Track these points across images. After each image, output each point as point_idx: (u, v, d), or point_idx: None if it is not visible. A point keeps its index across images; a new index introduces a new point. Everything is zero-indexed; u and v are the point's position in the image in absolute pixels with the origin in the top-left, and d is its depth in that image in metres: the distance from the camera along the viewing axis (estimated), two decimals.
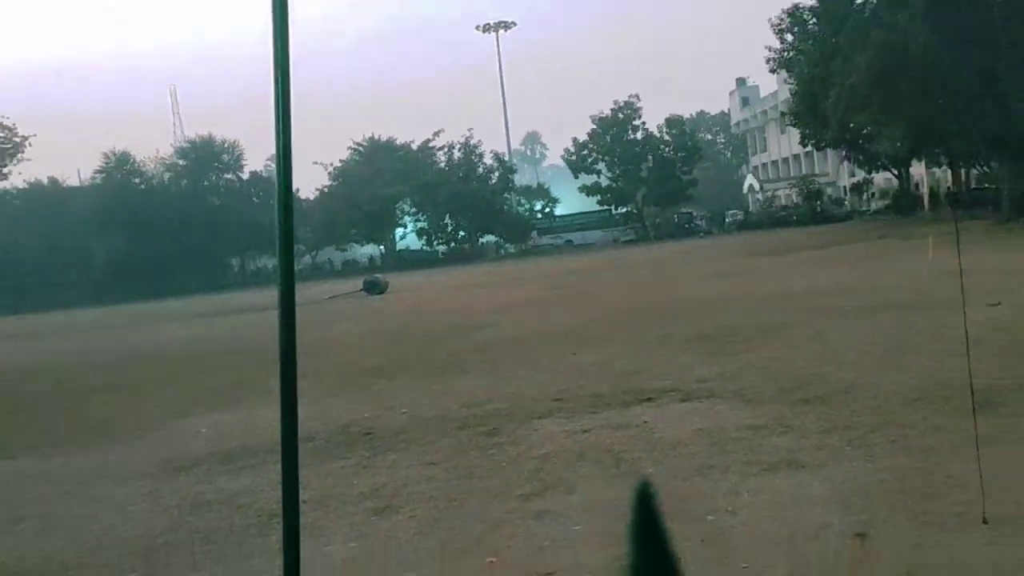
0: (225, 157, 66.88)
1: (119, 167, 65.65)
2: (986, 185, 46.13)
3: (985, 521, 4.86)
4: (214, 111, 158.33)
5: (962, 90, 34.81)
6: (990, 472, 5.38)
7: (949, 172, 50.24)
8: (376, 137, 70.33)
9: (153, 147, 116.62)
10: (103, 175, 65.78)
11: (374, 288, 36.08)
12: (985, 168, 45.65)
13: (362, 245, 71.89)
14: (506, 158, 76.05)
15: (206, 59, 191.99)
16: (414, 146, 70.44)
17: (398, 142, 70.42)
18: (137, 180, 66.23)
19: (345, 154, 70.78)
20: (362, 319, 23.98)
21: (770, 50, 45.67)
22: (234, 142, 67.32)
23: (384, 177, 66.14)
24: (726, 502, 5.75)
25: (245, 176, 67.82)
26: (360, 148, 70.29)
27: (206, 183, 66.23)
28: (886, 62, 33.61)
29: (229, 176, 67.45)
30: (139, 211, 60.04)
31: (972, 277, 15.65)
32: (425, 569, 5.17)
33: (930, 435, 6.80)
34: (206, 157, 66.38)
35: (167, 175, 67.35)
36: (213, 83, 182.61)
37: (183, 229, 60.68)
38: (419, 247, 71.47)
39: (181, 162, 66.95)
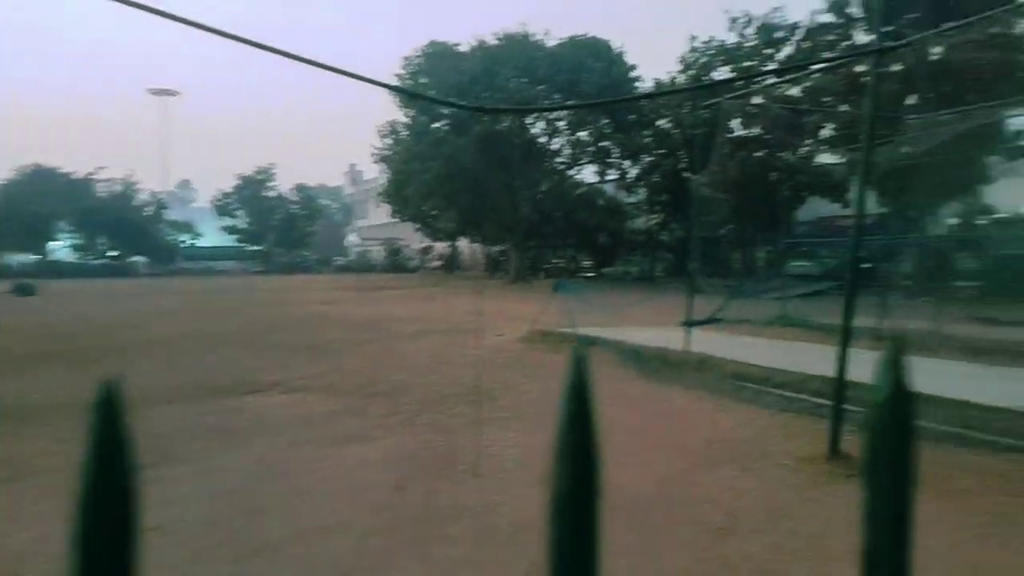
0: None
1: None
2: (502, 257, 50.97)
3: (477, 476, 5.33)
4: None
5: (493, 195, 38.39)
6: (484, 443, 5.93)
7: (481, 246, 54.90)
8: (40, 164, 59.43)
9: None
10: None
11: (23, 291, 30.16)
12: (503, 246, 50.46)
13: (17, 254, 59.93)
14: (161, 196, 68.68)
15: None
16: (77, 176, 60.59)
17: (61, 170, 60.09)
18: None
19: (10, 174, 59.04)
20: (9, 316, 19.90)
21: (374, 147, 46.65)
22: None
23: (45, 198, 56.36)
24: (310, 466, 5.65)
25: None
26: (25, 171, 58.99)
27: None
28: (449, 169, 35.98)
29: None
30: None
31: (489, 316, 17.27)
32: (42, 527, 4.39)
33: (453, 419, 7.27)
34: None
35: None
36: None
37: None
38: (74, 259, 61.44)
39: None
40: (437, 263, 65.43)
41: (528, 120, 38.35)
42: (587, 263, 48.15)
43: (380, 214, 79.68)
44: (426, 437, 6.53)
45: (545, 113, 38.91)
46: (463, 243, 62.13)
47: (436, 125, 38.31)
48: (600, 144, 39.00)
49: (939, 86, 17.16)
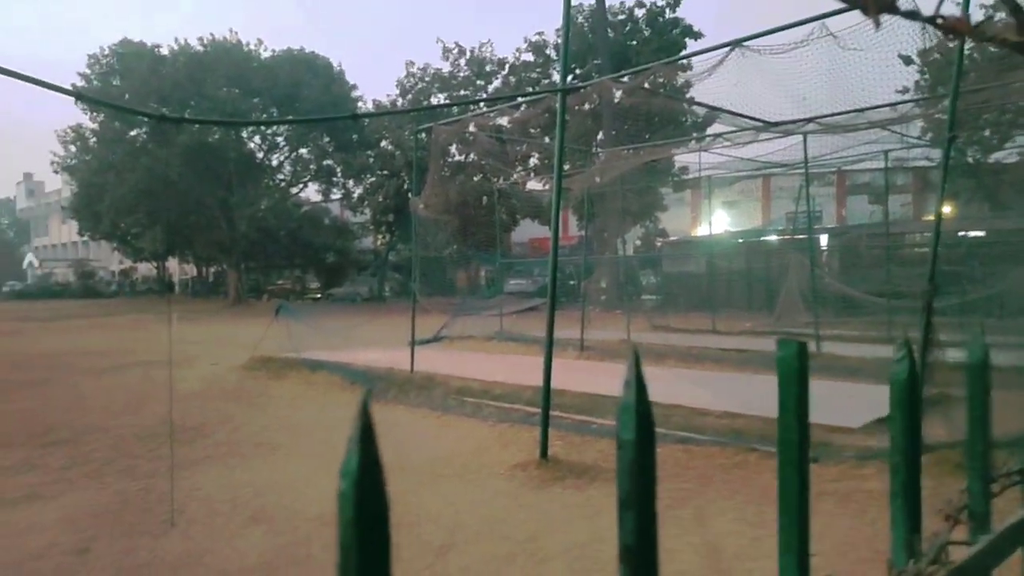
0: None
1: None
2: (219, 279, 47.20)
3: (181, 524, 4.81)
4: None
5: (205, 211, 35.46)
6: (192, 487, 5.38)
7: (195, 267, 50.47)
8: None
9: None
10: None
11: None
12: (220, 267, 46.82)
13: None
14: None
15: None
16: None
17: None
18: None
19: None
20: None
21: (55, 154, 40.04)
22: None
23: None
24: None
25: None
26: None
27: None
28: (151, 182, 32.42)
29: None
30: None
31: (205, 343, 15.85)
32: None
33: (153, 463, 6.50)
34: None
35: None
36: None
37: None
38: None
39: None
40: (143, 286, 58.39)
41: (244, 133, 36.19)
42: (314, 284, 46.70)
43: (67, 231, 68.90)
44: (120, 487, 5.74)
45: (263, 127, 37.03)
46: (173, 264, 56.23)
47: (133, 133, 34.37)
48: (323, 163, 38.17)
49: (623, 124, 19.68)
